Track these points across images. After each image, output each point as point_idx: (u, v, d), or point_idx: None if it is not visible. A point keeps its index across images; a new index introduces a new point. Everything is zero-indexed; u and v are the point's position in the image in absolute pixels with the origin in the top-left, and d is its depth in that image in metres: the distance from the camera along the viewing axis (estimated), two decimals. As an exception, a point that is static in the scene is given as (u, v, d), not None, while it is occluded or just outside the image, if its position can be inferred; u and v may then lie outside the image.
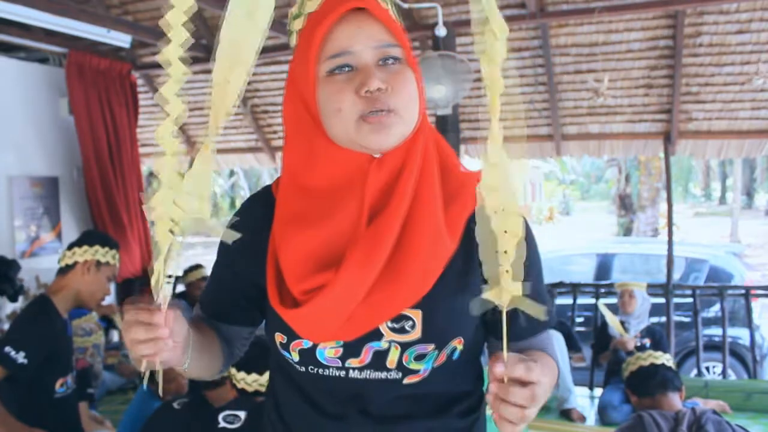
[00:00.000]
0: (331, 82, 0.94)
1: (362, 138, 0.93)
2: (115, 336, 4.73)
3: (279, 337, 1.03)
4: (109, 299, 5.15)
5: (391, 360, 0.98)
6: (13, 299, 3.95)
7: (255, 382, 2.20)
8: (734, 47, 4.30)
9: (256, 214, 1.07)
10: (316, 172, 0.98)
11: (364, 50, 0.93)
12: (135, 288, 5.42)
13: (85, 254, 2.57)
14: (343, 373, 1.00)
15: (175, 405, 2.32)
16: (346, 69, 0.94)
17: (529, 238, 0.95)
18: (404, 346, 0.98)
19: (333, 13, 0.92)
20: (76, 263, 2.56)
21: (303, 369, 1.03)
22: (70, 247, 2.62)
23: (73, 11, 4.23)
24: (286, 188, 1.01)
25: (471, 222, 0.92)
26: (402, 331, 0.97)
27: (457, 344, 1.01)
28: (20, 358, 2.33)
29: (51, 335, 2.46)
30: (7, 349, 2.33)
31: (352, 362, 0.99)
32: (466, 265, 0.99)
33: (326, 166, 0.97)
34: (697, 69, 4.50)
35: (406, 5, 4.39)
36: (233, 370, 2.23)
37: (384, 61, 0.94)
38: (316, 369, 1.02)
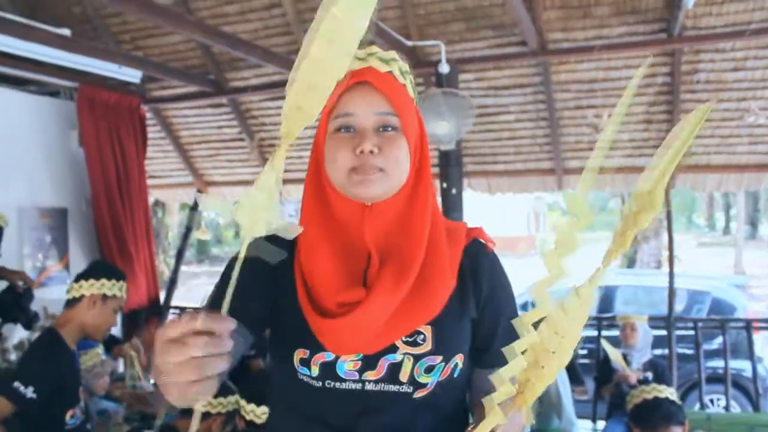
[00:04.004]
0: (335, 138, 1.12)
1: (351, 187, 1.10)
2: (120, 367, 4.74)
3: (300, 353, 1.12)
4: (116, 330, 5.20)
5: (404, 372, 1.10)
6: (28, 327, 4.00)
7: (264, 414, 2.23)
8: (731, 84, 4.38)
9: (274, 240, 1.12)
10: (326, 206, 1.15)
11: (364, 115, 1.11)
12: (141, 319, 5.46)
13: (91, 288, 2.58)
14: (359, 386, 1.11)
15: None
16: (351, 130, 1.11)
17: (501, 272, 1.23)
18: (416, 358, 1.11)
19: (345, 81, 1.09)
20: (82, 296, 2.57)
21: (320, 384, 1.11)
22: (77, 279, 2.63)
23: (86, 48, 4.34)
24: (307, 219, 1.15)
25: (462, 264, 1.17)
26: (415, 344, 1.11)
27: (459, 360, 1.15)
28: (29, 392, 2.34)
29: (59, 368, 2.47)
30: (16, 384, 2.34)
31: (368, 375, 1.10)
32: (462, 297, 1.17)
33: (331, 206, 1.15)
34: (694, 105, 4.56)
35: (410, 43, 4.49)
36: (242, 402, 2.26)
37: (383, 128, 1.11)
38: (333, 383, 1.11)
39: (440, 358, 1.11)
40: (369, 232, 1.12)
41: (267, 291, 1.15)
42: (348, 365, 1.10)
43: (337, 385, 1.11)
